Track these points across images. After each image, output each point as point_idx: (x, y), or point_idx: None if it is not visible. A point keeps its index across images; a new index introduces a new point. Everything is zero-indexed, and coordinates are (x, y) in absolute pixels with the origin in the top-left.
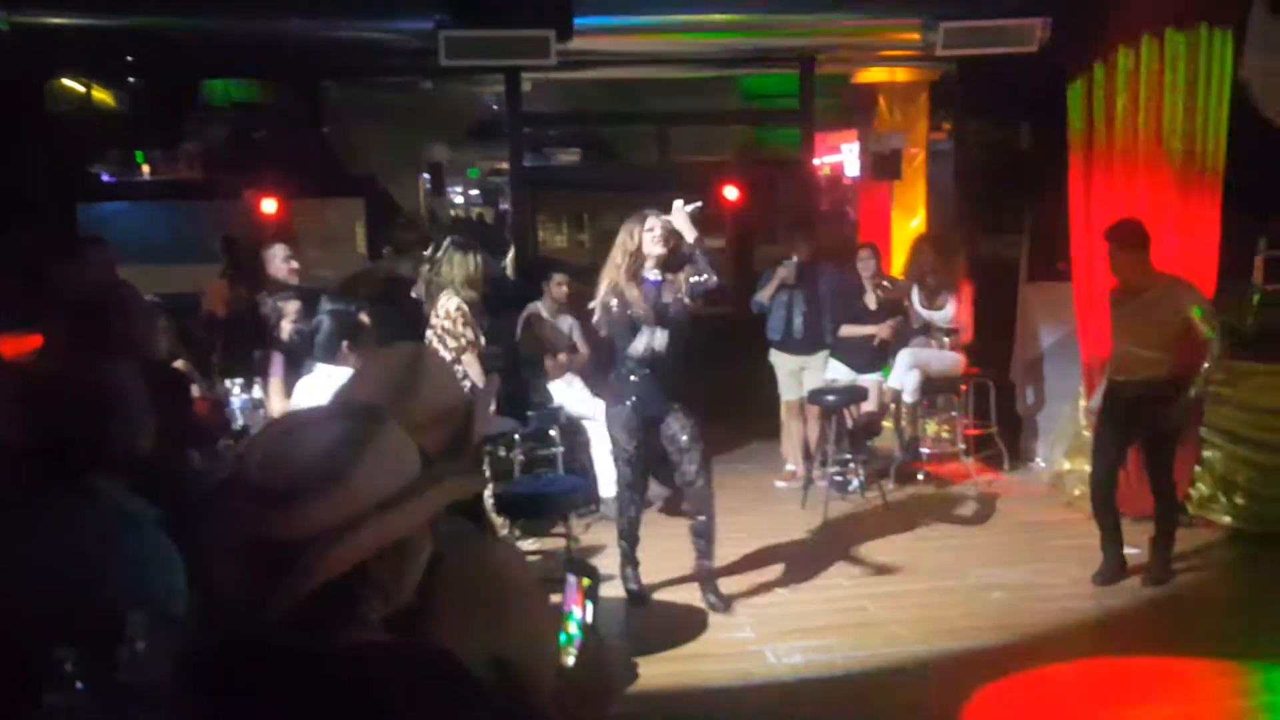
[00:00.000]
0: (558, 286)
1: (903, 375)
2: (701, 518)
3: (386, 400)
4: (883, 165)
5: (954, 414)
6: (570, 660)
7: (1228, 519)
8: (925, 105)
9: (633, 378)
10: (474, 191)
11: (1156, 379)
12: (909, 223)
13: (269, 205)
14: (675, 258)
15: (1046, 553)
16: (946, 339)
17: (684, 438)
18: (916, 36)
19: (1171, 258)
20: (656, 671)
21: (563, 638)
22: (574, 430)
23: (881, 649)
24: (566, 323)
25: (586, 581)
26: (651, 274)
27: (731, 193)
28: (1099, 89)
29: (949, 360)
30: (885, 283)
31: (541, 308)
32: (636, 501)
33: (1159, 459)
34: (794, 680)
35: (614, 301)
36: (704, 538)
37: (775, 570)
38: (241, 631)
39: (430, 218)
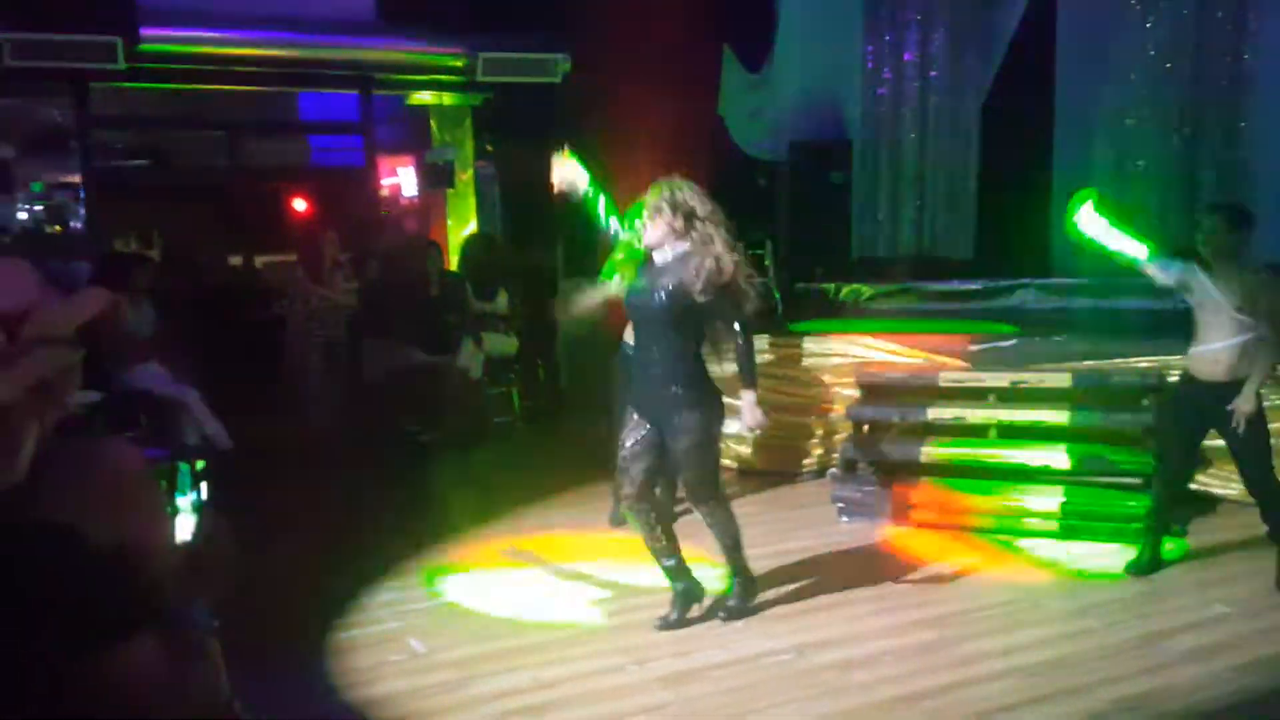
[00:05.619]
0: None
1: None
2: None
3: None
4: (437, 175)
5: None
6: (188, 537)
7: None
8: (470, 128)
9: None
10: (38, 207)
11: None
12: (462, 229)
13: None
14: None
15: None
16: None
17: None
18: (460, 64)
19: None
20: None
21: (177, 518)
22: (167, 413)
23: None
24: (149, 312)
25: (201, 464)
26: None
27: (300, 203)
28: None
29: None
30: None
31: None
32: None
33: None
34: None
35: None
36: None
37: None
38: None
39: None
